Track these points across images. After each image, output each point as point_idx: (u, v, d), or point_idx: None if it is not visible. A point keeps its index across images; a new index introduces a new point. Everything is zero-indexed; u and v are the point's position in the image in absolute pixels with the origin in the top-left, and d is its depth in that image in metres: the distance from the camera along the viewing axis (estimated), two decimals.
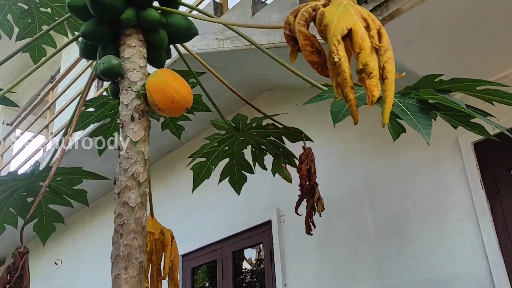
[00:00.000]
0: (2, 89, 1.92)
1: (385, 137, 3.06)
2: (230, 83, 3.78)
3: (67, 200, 2.24)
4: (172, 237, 1.99)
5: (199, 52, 3.25)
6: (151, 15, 1.67)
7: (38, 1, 2.53)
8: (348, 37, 1.11)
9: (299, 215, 2.20)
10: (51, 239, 3.43)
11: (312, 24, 1.22)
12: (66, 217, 2.58)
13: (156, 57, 1.78)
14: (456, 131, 2.19)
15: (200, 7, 3.86)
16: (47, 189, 2.10)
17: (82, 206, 5.08)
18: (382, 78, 1.09)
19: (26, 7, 2.53)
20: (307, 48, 1.15)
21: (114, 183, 1.52)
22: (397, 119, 1.94)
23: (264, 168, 2.66)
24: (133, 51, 1.66)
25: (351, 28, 1.09)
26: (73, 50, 5.92)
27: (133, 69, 1.62)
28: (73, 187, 2.23)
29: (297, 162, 2.44)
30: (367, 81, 1.05)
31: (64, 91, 5.47)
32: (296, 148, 2.46)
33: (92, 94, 5.12)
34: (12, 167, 6.87)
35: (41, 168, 2.16)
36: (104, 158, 2.58)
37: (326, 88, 1.62)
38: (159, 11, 1.72)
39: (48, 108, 5.78)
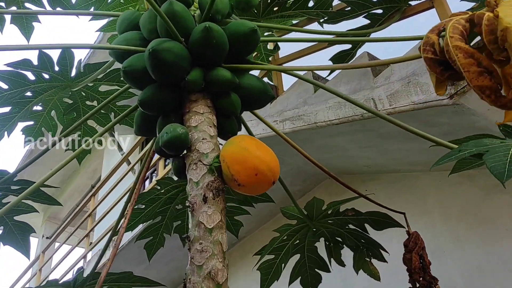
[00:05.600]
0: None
1: (482, 220, 2.58)
2: (285, 172, 3.49)
3: None
4: None
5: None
6: (221, 75, 1.37)
7: (84, 94, 2.35)
8: None
9: None
10: None
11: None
12: None
13: (226, 127, 1.46)
14: None
15: None
16: None
17: None
18: None
19: (71, 101, 2.34)
20: (471, 68, 0.80)
21: (184, 286, 1.13)
22: None
23: (342, 264, 2.23)
24: (201, 119, 1.35)
25: None
26: (114, 159, 5.80)
27: (203, 139, 1.30)
28: None
29: (383, 254, 2.09)
30: None
31: (105, 197, 5.25)
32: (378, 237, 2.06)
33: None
34: None
35: (84, 275, 1.79)
36: (150, 265, 2.20)
37: (455, 146, 1.23)
38: (230, 71, 1.43)
39: (89, 216, 5.51)
